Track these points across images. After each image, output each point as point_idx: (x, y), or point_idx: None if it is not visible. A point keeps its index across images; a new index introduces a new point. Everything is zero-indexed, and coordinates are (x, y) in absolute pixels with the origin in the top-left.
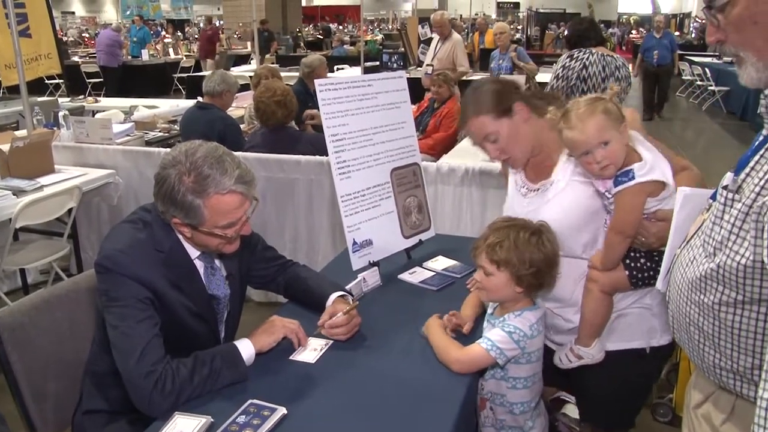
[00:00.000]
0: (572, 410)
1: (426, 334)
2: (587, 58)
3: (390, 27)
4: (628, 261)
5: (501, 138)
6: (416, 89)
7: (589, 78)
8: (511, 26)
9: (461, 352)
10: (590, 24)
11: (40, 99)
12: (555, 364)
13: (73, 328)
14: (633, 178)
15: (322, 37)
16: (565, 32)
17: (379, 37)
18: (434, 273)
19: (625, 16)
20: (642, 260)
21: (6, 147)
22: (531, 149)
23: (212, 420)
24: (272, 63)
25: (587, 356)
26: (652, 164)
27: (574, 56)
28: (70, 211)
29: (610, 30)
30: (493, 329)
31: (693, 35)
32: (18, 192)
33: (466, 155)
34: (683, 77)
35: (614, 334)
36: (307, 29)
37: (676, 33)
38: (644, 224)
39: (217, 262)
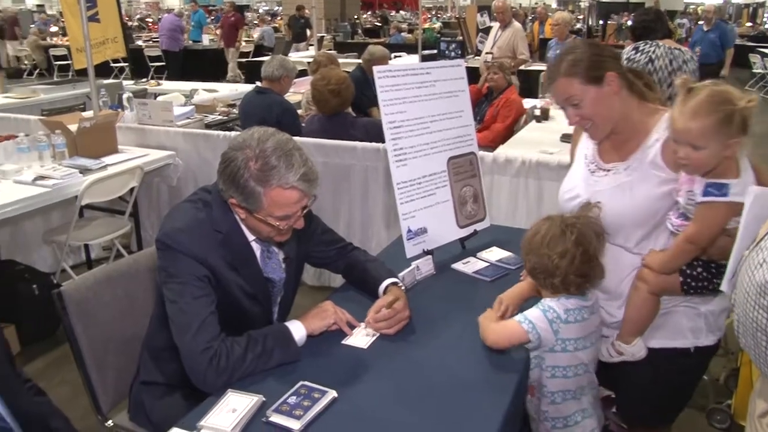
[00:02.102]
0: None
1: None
2: (653, 51)
3: (448, 15)
4: (684, 268)
5: (584, 104)
6: (474, 78)
7: (655, 72)
8: (572, 16)
9: (497, 324)
10: (656, 15)
11: (105, 81)
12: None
13: (132, 304)
14: (726, 194)
15: (380, 25)
16: (629, 23)
17: (437, 25)
18: (488, 264)
19: (692, 6)
20: (699, 269)
21: (74, 127)
22: (614, 124)
23: (264, 399)
24: (329, 49)
25: (628, 353)
26: (746, 184)
27: (640, 49)
28: (132, 190)
29: (678, 21)
30: (532, 307)
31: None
32: (84, 170)
33: (523, 145)
34: (754, 70)
35: (659, 331)
36: (365, 16)
37: (748, 24)
38: None
39: (274, 246)
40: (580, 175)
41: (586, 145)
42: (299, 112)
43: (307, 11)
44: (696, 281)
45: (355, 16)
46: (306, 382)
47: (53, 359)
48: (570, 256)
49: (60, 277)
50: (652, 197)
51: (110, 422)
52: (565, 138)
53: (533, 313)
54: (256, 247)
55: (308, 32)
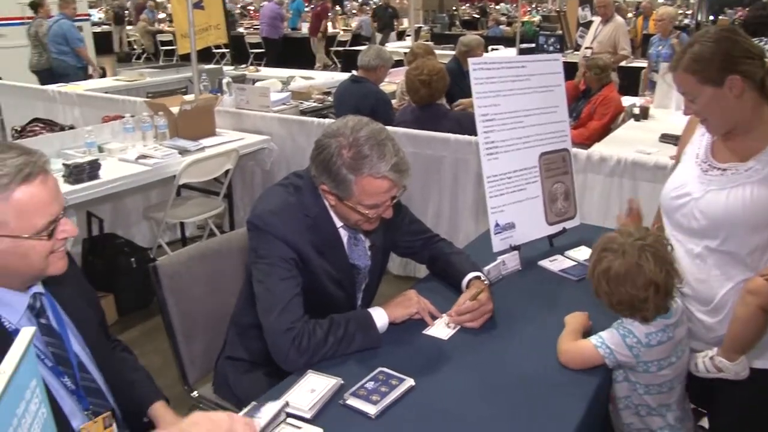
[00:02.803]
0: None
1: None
2: None
3: (549, 8)
4: None
5: (698, 102)
6: (572, 74)
7: None
8: (680, 11)
9: (572, 344)
10: None
11: (207, 66)
12: (690, 370)
13: (222, 281)
14: None
15: (478, 17)
16: (743, 18)
17: (537, 18)
18: (576, 263)
19: None
20: None
21: (176, 110)
22: (733, 125)
23: (342, 382)
24: (426, 41)
25: (730, 372)
26: None
27: None
28: (227, 172)
29: None
30: (610, 328)
31: None
32: (183, 151)
33: (619, 144)
34: None
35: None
36: (463, 8)
37: None
38: None
39: (361, 233)
40: (690, 174)
41: (698, 144)
42: (394, 102)
43: (396, 1)
44: None
45: (454, 8)
46: (384, 369)
47: (147, 329)
48: (654, 285)
49: (156, 252)
50: None
51: (195, 393)
52: (665, 138)
53: (612, 337)
54: (344, 234)
55: (395, 23)
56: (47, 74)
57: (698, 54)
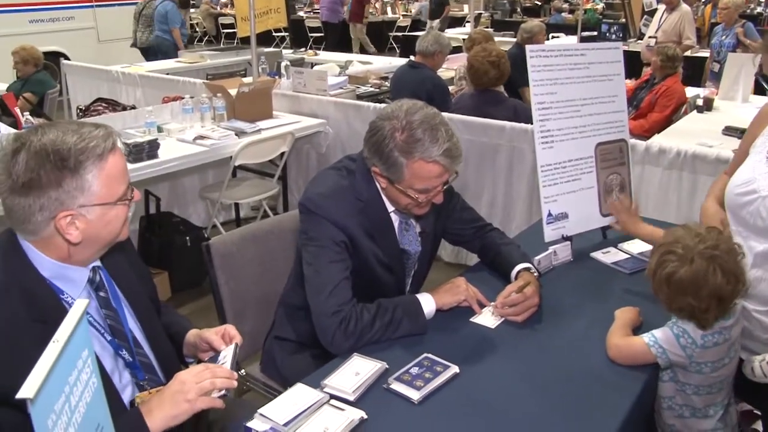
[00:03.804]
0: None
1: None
2: None
3: None
4: None
5: None
6: (633, 63)
7: None
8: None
9: (622, 340)
10: None
11: (266, 50)
12: (744, 373)
13: (273, 262)
14: None
15: (540, 3)
16: None
17: (600, 5)
18: (629, 256)
19: None
20: None
21: (234, 92)
22: None
23: (387, 366)
24: (486, 27)
25: None
26: None
27: None
28: (282, 154)
29: None
30: (664, 326)
31: None
32: (240, 133)
33: (680, 136)
34: None
35: None
36: None
37: None
38: None
39: (412, 218)
40: (759, 170)
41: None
42: (451, 88)
43: None
44: None
45: None
46: (430, 355)
47: (199, 307)
48: (718, 295)
49: (211, 232)
50: None
51: (243, 371)
52: (729, 131)
53: (665, 335)
54: (395, 218)
55: (446, 9)
56: (150, 51)
57: None
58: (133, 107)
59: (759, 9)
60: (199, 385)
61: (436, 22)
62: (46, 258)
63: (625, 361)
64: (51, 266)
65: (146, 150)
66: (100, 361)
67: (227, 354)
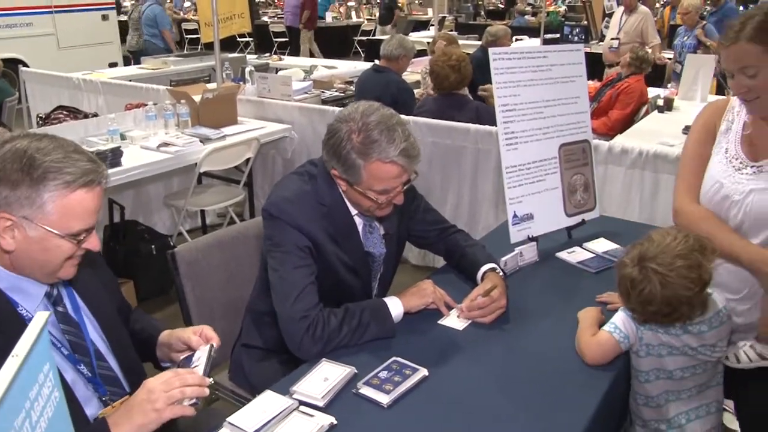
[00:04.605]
0: (730, 420)
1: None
2: None
3: None
4: None
5: (760, 77)
6: (595, 65)
7: None
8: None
9: (592, 339)
10: None
11: (230, 55)
12: (727, 363)
13: (239, 269)
14: None
15: (503, 7)
16: None
17: (562, 8)
18: (594, 255)
19: None
20: None
21: (198, 98)
22: None
23: (356, 371)
24: (450, 30)
25: None
26: None
27: None
28: (248, 160)
29: None
30: (619, 310)
31: None
32: (204, 140)
33: (642, 136)
34: None
35: None
36: None
37: None
38: None
39: (376, 221)
40: (722, 172)
41: (725, 140)
42: (418, 91)
43: None
44: None
45: None
46: (398, 358)
47: (166, 316)
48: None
49: (176, 239)
50: None
51: (211, 380)
52: (689, 130)
53: (618, 316)
54: (359, 222)
55: (396, 14)
56: (140, 55)
57: (765, 22)
58: (95, 115)
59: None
60: (167, 394)
61: (389, 27)
62: (1, 268)
63: (602, 359)
64: (6, 277)
65: (109, 158)
66: (62, 374)
67: (202, 356)
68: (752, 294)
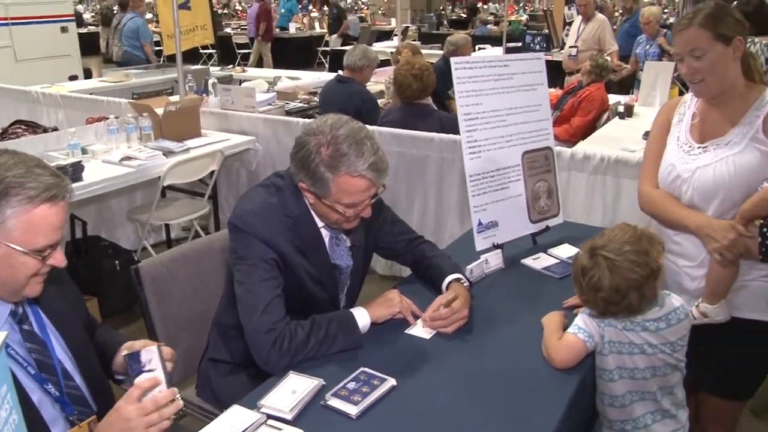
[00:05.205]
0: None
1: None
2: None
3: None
4: (766, 230)
5: (705, 59)
6: (557, 73)
7: None
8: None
9: (560, 343)
10: (757, 7)
11: (193, 67)
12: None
13: (205, 283)
14: None
15: (466, 16)
16: None
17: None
18: (558, 260)
19: None
20: None
21: (161, 111)
22: (725, 88)
23: (324, 383)
24: (414, 40)
25: (711, 314)
26: None
27: None
28: (212, 173)
29: None
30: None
31: None
32: (168, 153)
33: (603, 142)
34: None
35: (742, 301)
36: (451, 8)
37: None
38: None
39: (342, 233)
40: (675, 157)
41: (677, 129)
42: (383, 100)
43: (385, 0)
44: None
45: (441, 8)
46: (366, 369)
47: (131, 332)
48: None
49: (141, 254)
50: (754, 170)
51: (178, 395)
52: (648, 136)
53: (582, 318)
54: (325, 234)
55: (344, 24)
56: (120, 66)
57: (712, 14)
58: (55, 129)
59: (671, 19)
60: (146, 419)
61: (334, 37)
62: None
63: (572, 361)
64: None
65: (69, 173)
66: (28, 394)
67: (152, 358)
68: (707, 261)
